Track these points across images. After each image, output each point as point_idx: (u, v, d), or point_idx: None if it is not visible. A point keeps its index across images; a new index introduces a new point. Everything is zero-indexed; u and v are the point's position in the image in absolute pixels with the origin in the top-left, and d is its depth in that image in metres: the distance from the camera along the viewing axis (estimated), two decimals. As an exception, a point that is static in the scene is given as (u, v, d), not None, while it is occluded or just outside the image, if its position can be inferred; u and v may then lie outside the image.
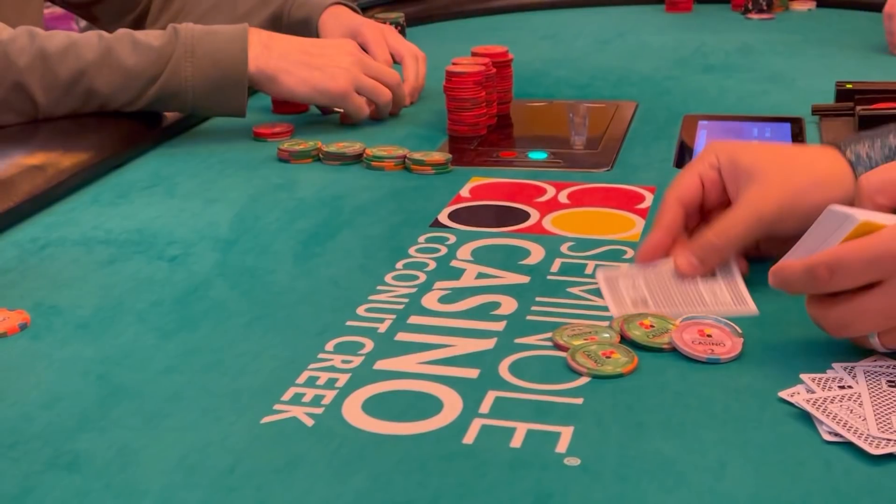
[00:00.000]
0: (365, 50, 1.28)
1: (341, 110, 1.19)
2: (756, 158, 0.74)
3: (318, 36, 1.33)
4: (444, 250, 0.83)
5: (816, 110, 1.17)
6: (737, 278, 0.68)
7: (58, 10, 1.54)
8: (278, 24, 1.37)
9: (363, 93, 1.17)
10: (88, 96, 1.09)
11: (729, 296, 0.65)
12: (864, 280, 0.60)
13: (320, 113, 1.24)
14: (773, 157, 0.74)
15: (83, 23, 1.65)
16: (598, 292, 0.74)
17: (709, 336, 0.65)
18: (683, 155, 1.08)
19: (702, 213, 0.77)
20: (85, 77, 1.08)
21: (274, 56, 1.13)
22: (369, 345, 0.68)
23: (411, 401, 0.61)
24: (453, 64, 1.16)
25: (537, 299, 0.74)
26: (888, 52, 1.51)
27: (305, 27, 1.35)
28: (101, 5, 1.46)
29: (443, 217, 0.90)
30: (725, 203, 0.75)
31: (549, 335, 0.68)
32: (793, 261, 0.63)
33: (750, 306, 0.64)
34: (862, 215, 0.61)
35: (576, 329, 0.68)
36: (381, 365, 0.65)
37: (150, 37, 1.10)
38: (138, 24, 1.45)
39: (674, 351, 0.65)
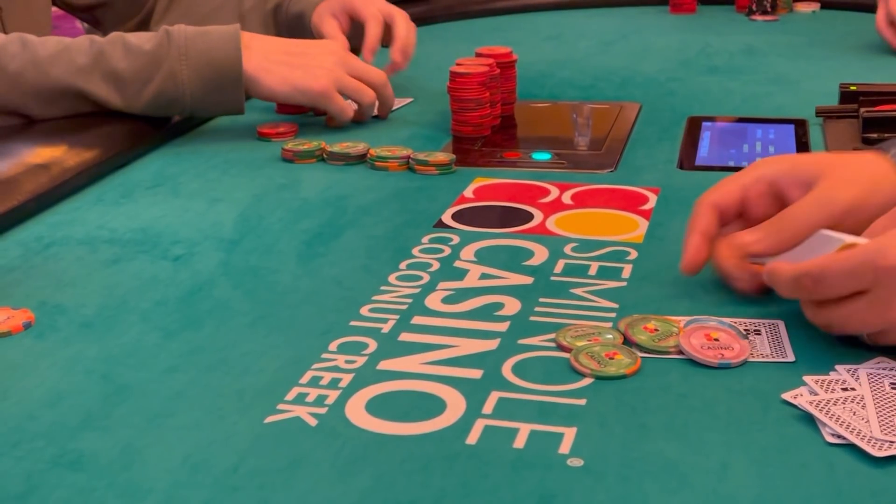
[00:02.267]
0: (356, 17, 1.28)
1: None
2: (819, 162, 0.73)
3: (310, 32, 1.33)
4: (447, 251, 0.83)
5: (820, 112, 1.17)
6: (780, 331, 0.68)
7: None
8: (278, 18, 1.37)
9: (346, 93, 1.15)
10: (81, 101, 1.10)
11: (769, 348, 0.66)
12: (845, 291, 0.62)
13: (314, 114, 1.24)
14: (835, 160, 0.73)
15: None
16: (600, 293, 0.74)
17: (716, 340, 0.65)
18: (688, 156, 1.08)
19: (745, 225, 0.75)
20: (77, 82, 1.08)
21: (255, 56, 1.12)
22: (373, 345, 0.68)
23: (414, 401, 0.61)
24: (457, 64, 1.16)
25: (541, 300, 0.74)
26: (893, 54, 1.51)
27: (299, 22, 1.35)
28: (104, 9, 1.46)
29: (446, 217, 0.90)
30: (772, 215, 0.73)
31: (552, 336, 0.68)
32: (785, 265, 0.66)
33: (788, 357, 0.65)
34: (849, 238, 0.64)
35: (579, 330, 0.68)
36: (384, 365, 0.65)
37: (142, 40, 1.10)
38: (142, 27, 1.45)
39: (681, 355, 0.65)
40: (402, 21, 1.31)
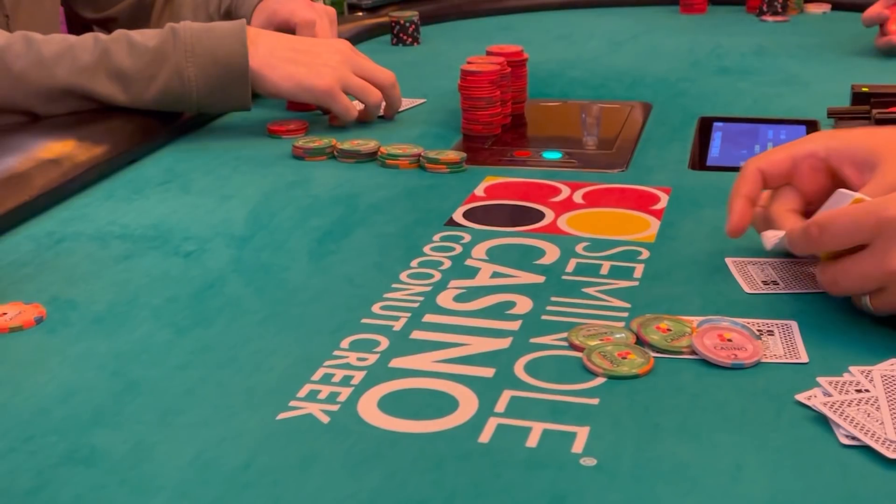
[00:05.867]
0: (285, 26, 1.29)
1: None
2: (873, 139, 0.74)
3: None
4: (458, 249, 0.83)
5: (832, 113, 1.17)
6: (793, 331, 0.68)
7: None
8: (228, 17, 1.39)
9: (351, 92, 1.15)
10: (87, 100, 1.10)
11: (782, 349, 0.65)
12: (849, 240, 0.65)
13: (322, 113, 1.23)
14: (889, 138, 0.74)
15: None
16: (612, 292, 0.74)
17: (729, 340, 0.65)
18: (698, 157, 1.07)
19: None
20: (82, 81, 1.08)
21: (260, 52, 1.12)
22: (384, 343, 0.68)
23: (427, 399, 0.61)
24: (468, 63, 1.15)
25: (552, 299, 0.74)
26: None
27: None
28: (114, 23, 1.47)
29: (457, 216, 0.90)
30: (825, 191, 0.75)
31: (564, 335, 0.68)
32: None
33: (801, 358, 0.65)
34: (860, 194, 0.67)
35: (591, 329, 0.68)
36: (396, 363, 0.65)
37: (146, 37, 1.10)
38: None
39: (694, 355, 0.65)
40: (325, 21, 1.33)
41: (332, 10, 1.37)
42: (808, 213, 0.78)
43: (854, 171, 0.73)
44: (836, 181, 0.74)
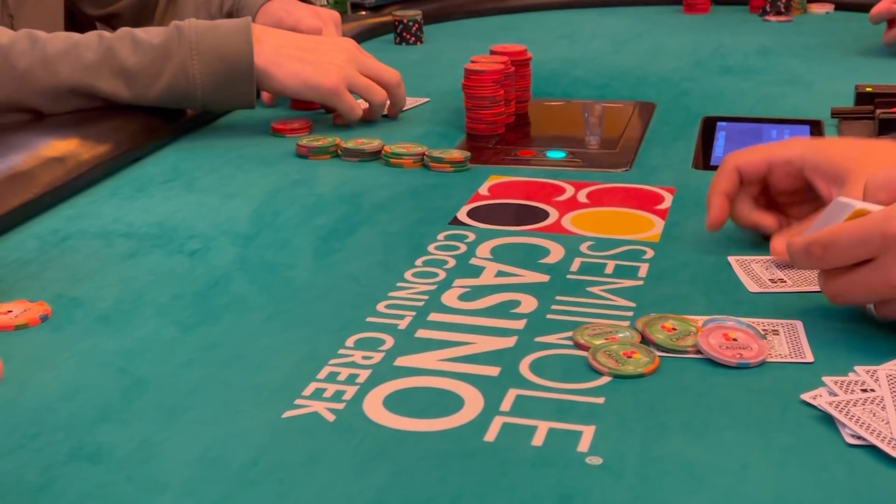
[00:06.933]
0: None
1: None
2: (847, 156, 0.76)
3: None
4: (463, 248, 0.83)
5: (836, 113, 1.17)
6: (798, 331, 0.68)
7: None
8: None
9: (356, 91, 1.15)
10: (91, 97, 1.09)
11: (788, 348, 0.65)
12: (854, 257, 0.64)
13: (325, 111, 1.23)
14: (862, 155, 0.76)
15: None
16: (617, 291, 0.74)
17: (734, 340, 0.65)
18: (702, 156, 1.07)
19: (771, 195, 0.81)
20: (86, 80, 1.08)
21: (266, 50, 1.12)
22: (389, 341, 0.68)
23: (432, 398, 0.61)
24: (472, 62, 1.15)
25: (557, 298, 0.74)
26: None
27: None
28: (117, 19, 1.47)
29: (462, 215, 0.90)
30: (799, 192, 0.80)
31: (569, 334, 0.68)
32: (798, 238, 0.68)
33: (807, 357, 0.64)
34: (860, 204, 0.66)
35: (596, 328, 0.68)
36: (401, 361, 0.65)
37: (151, 34, 1.10)
38: None
39: (699, 355, 0.65)
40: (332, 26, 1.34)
41: (336, 14, 1.37)
42: (775, 204, 0.82)
43: (824, 184, 0.77)
44: (805, 185, 0.78)
